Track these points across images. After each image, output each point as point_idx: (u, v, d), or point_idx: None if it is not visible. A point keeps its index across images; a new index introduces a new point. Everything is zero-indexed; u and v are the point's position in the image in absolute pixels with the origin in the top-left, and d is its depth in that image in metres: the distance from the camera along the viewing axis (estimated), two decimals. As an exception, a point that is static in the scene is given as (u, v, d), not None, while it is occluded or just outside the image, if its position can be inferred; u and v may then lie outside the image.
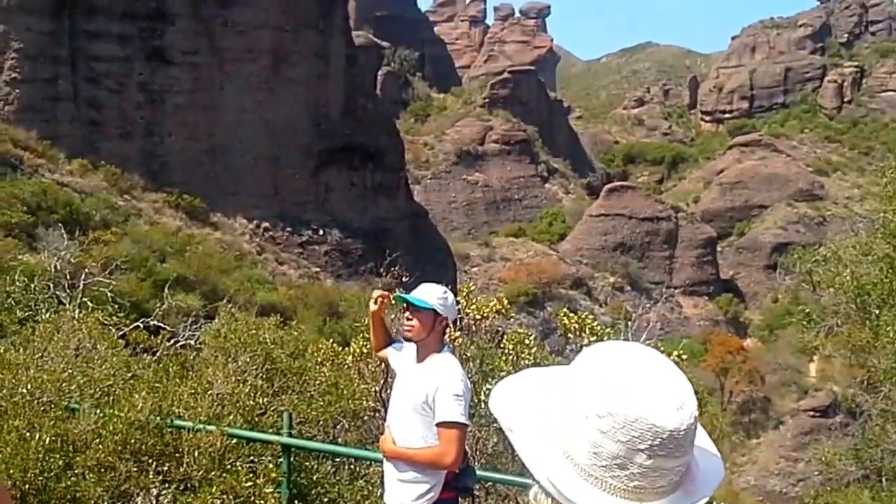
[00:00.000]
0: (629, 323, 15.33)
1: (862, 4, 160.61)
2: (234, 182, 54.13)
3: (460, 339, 11.19)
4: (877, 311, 15.10)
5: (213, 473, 7.30)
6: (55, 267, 16.95)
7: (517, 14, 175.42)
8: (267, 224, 55.16)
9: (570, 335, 11.18)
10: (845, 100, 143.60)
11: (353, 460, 9.51)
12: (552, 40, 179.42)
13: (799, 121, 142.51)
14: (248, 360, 9.81)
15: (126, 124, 51.79)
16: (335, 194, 59.75)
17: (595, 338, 10.96)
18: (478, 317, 11.37)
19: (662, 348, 12.26)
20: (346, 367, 11.32)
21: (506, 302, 11.96)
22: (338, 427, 10.07)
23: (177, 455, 7.47)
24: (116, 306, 14.87)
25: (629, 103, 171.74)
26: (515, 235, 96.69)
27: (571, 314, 11.48)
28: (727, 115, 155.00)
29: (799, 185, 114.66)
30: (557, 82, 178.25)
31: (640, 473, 1.52)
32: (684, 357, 11.22)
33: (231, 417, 8.18)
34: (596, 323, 11.60)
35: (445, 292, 5.41)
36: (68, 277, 16.87)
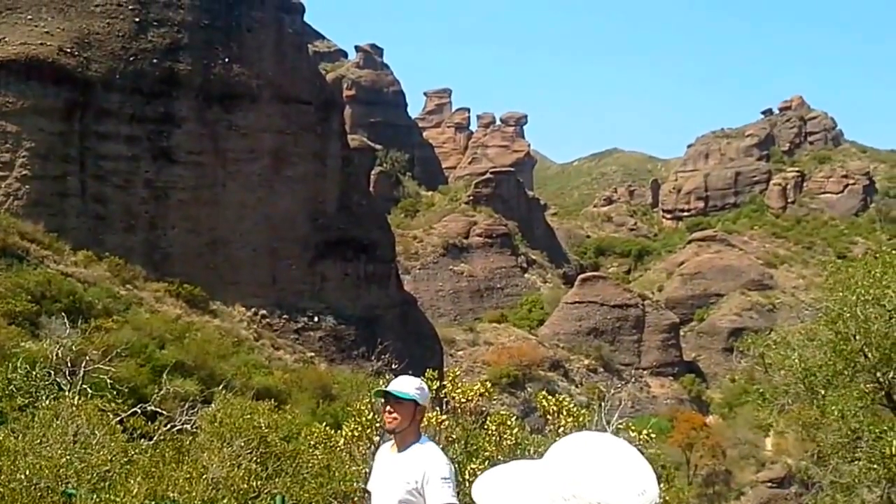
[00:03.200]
0: (602, 403, 15.24)
1: (801, 118, 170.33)
2: (233, 272, 54.00)
3: (447, 422, 11.00)
4: (822, 392, 15.49)
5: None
6: (56, 354, 16.53)
7: (498, 122, 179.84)
8: (264, 311, 54.83)
9: (548, 416, 11.12)
10: (789, 200, 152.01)
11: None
12: (529, 145, 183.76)
13: (749, 219, 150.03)
14: (242, 444, 9.50)
15: (131, 218, 51.79)
16: (330, 283, 59.79)
17: (571, 418, 10.87)
18: (463, 399, 11.22)
19: (634, 427, 12.06)
20: (337, 449, 10.99)
21: (489, 384, 11.88)
22: (329, 508, 9.70)
23: (170, 540, 7.12)
24: (115, 392, 14.50)
25: (599, 202, 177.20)
26: (498, 321, 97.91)
27: (550, 396, 11.44)
28: (685, 213, 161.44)
29: (751, 275, 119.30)
30: (534, 182, 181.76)
31: None
32: (653, 435, 11.05)
33: (225, 501, 7.86)
34: (572, 405, 11.53)
35: (421, 383, 5.38)
36: (69, 364, 16.46)
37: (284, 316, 55.82)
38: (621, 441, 1.65)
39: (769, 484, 66.80)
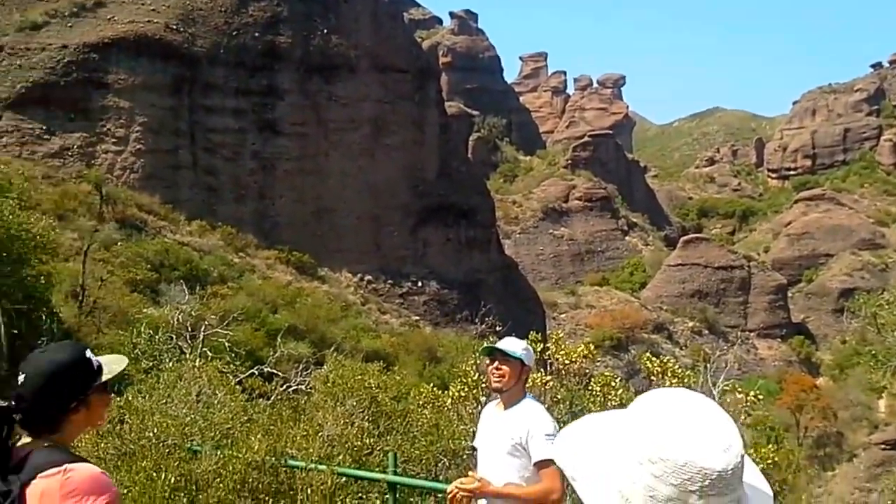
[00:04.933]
0: (708, 364, 14.91)
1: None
2: (339, 239, 55.10)
3: (551, 383, 10.97)
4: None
5: (324, 511, 7.14)
6: (177, 319, 17.26)
7: (595, 84, 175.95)
8: (370, 277, 55.85)
9: (652, 377, 10.97)
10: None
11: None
12: (628, 107, 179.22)
13: (859, 176, 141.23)
14: (354, 403, 9.69)
15: (240, 189, 53.34)
16: (432, 249, 60.32)
17: (676, 380, 10.67)
18: (567, 361, 11.17)
19: (741, 388, 11.72)
20: (445, 409, 11.13)
21: (592, 346, 11.78)
22: (439, 465, 9.85)
23: (291, 493, 7.35)
24: (233, 355, 15.02)
25: (701, 163, 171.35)
26: (599, 284, 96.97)
27: (654, 358, 11.30)
28: (792, 172, 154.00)
29: (861, 234, 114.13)
30: (634, 144, 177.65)
31: None
32: (761, 396, 10.72)
33: (340, 457, 8.06)
34: (676, 366, 11.31)
35: (527, 344, 5.42)
36: (189, 329, 17.16)
37: (389, 281, 56.71)
38: (701, 396, 1.64)
39: (882, 446, 64.33)
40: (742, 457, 1.59)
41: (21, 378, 2.77)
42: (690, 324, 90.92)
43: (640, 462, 1.55)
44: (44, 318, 17.42)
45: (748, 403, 10.87)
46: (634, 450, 1.57)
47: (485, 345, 5.96)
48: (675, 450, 1.53)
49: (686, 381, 11.12)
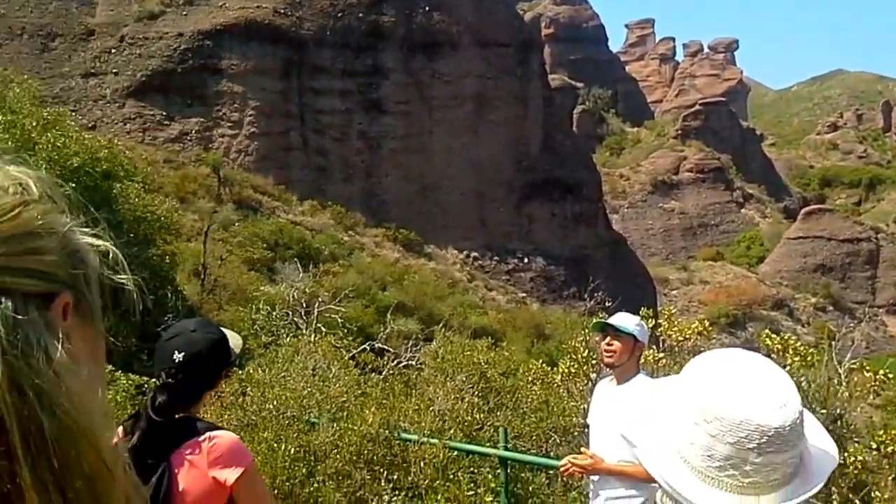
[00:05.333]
0: (833, 342, 14.26)
1: None
2: (444, 216, 55.52)
3: (664, 360, 10.80)
4: None
5: (437, 482, 7.35)
6: (292, 297, 17.90)
7: (706, 49, 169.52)
8: (476, 254, 56.13)
9: (772, 355, 10.58)
10: None
11: (565, 473, 9.30)
12: (742, 72, 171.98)
13: None
14: (464, 379, 9.86)
15: (348, 168, 54.38)
16: (538, 225, 59.99)
17: (798, 358, 10.25)
18: (680, 338, 10.94)
19: (869, 367, 11.24)
20: (555, 385, 11.16)
21: (707, 323, 11.47)
22: (549, 442, 9.91)
23: (404, 465, 7.57)
24: (346, 330, 15.46)
25: (822, 129, 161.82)
26: (713, 259, 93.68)
27: (774, 335, 10.83)
28: None
29: None
30: (749, 112, 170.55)
31: (753, 470, 1.54)
32: (892, 375, 10.23)
33: (451, 431, 8.23)
34: (799, 343, 10.85)
35: (640, 320, 5.36)
36: (304, 305, 17.78)
37: (495, 258, 56.81)
38: (758, 355, 1.65)
39: None
40: (801, 413, 1.58)
41: (178, 355, 2.95)
42: (813, 300, 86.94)
43: (697, 422, 1.56)
44: (169, 295, 18.39)
45: (877, 383, 10.42)
46: (690, 410, 1.58)
47: (595, 320, 5.95)
48: (731, 408, 1.53)
49: (809, 359, 10.74)
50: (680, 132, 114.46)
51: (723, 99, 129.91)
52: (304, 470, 7.30)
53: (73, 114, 24.59)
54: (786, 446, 1.54)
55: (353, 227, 50.73)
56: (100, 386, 0.81)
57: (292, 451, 7.28)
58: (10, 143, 15.23)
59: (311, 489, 7.20)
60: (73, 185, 14.74)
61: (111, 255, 0.87)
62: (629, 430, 1.78)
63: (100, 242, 0.85)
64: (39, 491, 0.68)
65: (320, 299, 18.14)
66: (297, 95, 53.46)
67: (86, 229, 0.84)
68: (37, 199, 0.79)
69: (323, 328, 14.72)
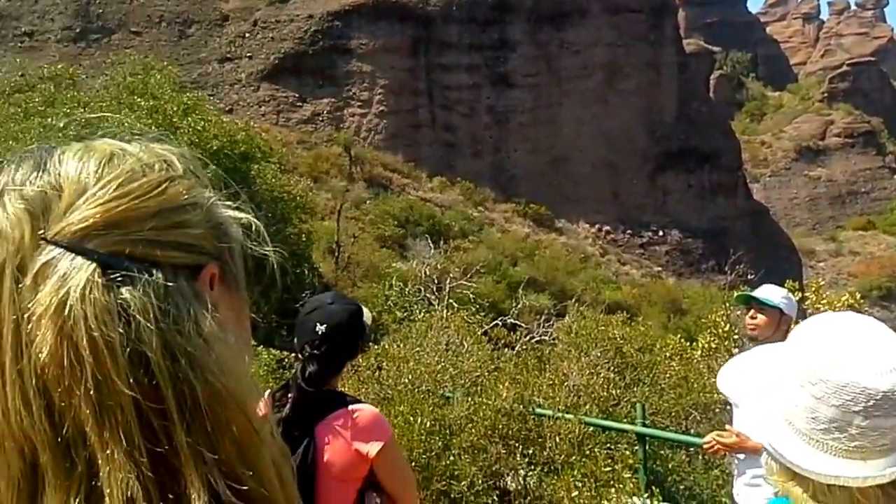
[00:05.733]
0: None
1: None
2: (575, 190, 54.90)
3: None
4: None
5: (573, 458, 7.35)
6: (424, 273, 18.18)
7: (853, 7, 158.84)
8: (608, 227, 55.27)
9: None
10: None
11: (707, 450, 9.11)
12: (893, 30, 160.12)
13: None
14: (599, 354, 9.78)
15: (477, 144, 54.55)
16: (673, 196, 58.39)
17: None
18: (829, 312, 10.43)
19: None
20: (694, 361, 10.89)
21: (857, 296, 10.91)
22: (689, 419, 9.71)
23: (539, 440, 7.60)
24: (477, 306, 15.57)
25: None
26: (864, 229, 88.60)
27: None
28: None
29: None
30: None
31: (859, 434, 1.51)
32: None
33: (587, 407, 8.21)
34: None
35: (788, 293, 5.16)
36: (435, 282, 18.04)
37: (628, 231, 55.75)
38: (869, 319, 1.62)
39: None
40: None
41: (320, 328, 3.04)
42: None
43: (801, 384, 1.56)
44: (306, 273, 19.07)
45: None
46: (795, 372, 1.58)
47: (738, 293, 5.75)
48: (836, 370, 1.52)
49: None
50: (826, 95, 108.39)
51: (872, 59, 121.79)
52: (439, 443, 7.43)
53: (211, 98, 25.95)
54: (894, 411, 1.52)
55: (483, 202, 50.92)
56: (246, 353, 0.87)
57: (428, 424, 7.42)
58: (153, 127, 16.10)
59: (447, 462, 7.33)
60: (214, 166, 15.51)
61: (253, 227, 0.92)
62: (728, 390, 1.77)
63: (242, 215, 0.90)
64: (194, 452, 0.73)
65: (451, 275, 18.35)
66: (425, 72, 53.98)
67: (228, 203, 0.89)
68: (181, 175, 0.83)
69: (454, 304, 14.89)
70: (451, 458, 7.41)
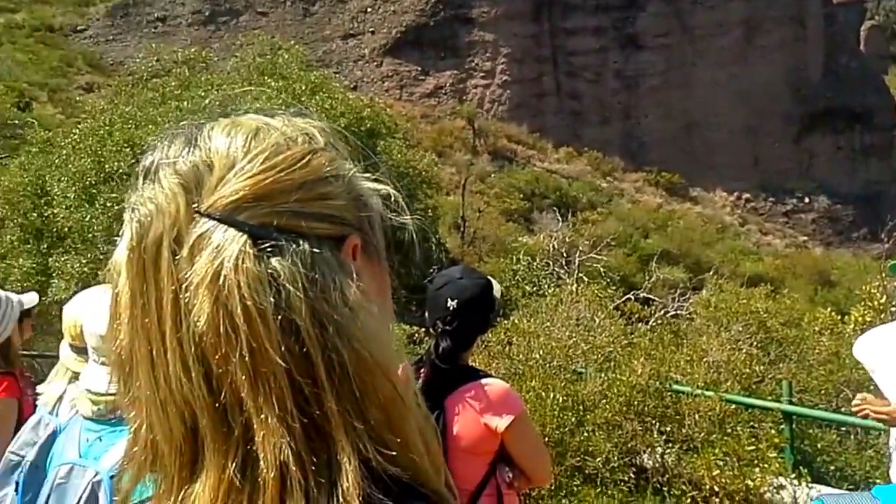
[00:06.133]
0: None
1: None
2: (711, 156, 53.25)
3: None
4: None
5: (713, 436, 7.23)
6: (553, 247, 18.12)
7: None
8: (748, 195, 53.33)
9: None
10: None
11: (859, 430, 8.76)
12: None
13: None
14: (740, 329, 9.53)
15: (604, 111, 53.72)
16: (820, 160, 55.65)
17: None
18: None
19: None
20: (846, 336, 10.43)
21: None
22: (840, 397, 9.34)
23: (678, 417, 7.50)
24: (607, 280, 15.41)
25: None
26: None
27: None
28: None
29: None
30: None
31: None
32: None
33: (728, 384, 8.03)
34: None
35: None
36: (564, 255, 17.95)
37: (770, 199, 53.60)
38: None
39: None
40: None
41: (451, 303, 3.07)
42: None
43: None
44: (434, 248, 19.37)
45: None
46: None
47: (893, 263, 5.46)
48: None
49: None
50: None
51: None
52: (572, 419, 7.46)
53: (336, 75, 26.61)
54: None
55: (612, 172, 50.24)
56: (390, 322, 0.91)
57: (560, 400, 7.45)
58: (282, 107, 16.73)
59: (581, 438, 7.36)
60: (343, 143, 15.97)
61: (392, 198, 0.96)
62: (866, 358, 1.81)
63: (381, 187, 0.95)
64: (344, 418, 0.78)
65: (580, 249, 18.20)
66: (549, 38, 53.43)
67: (366, 175, 0.94)
68: (323, 148, 0.88)
69: (584, 278, 14.80)
70: (585, 434, 7.43)
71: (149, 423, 0.83)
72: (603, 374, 8.05)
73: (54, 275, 16.08)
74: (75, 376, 2.99)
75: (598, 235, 25.39)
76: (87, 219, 15.46)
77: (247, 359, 0.76)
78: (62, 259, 16.02)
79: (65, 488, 2.13)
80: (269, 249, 0.78)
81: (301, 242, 0.80)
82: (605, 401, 7.65)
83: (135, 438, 0.86)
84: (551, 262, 17.10)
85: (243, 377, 0.76)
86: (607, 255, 22.05)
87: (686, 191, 51.41)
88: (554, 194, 41.45)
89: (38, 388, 3.37)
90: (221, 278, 0.77)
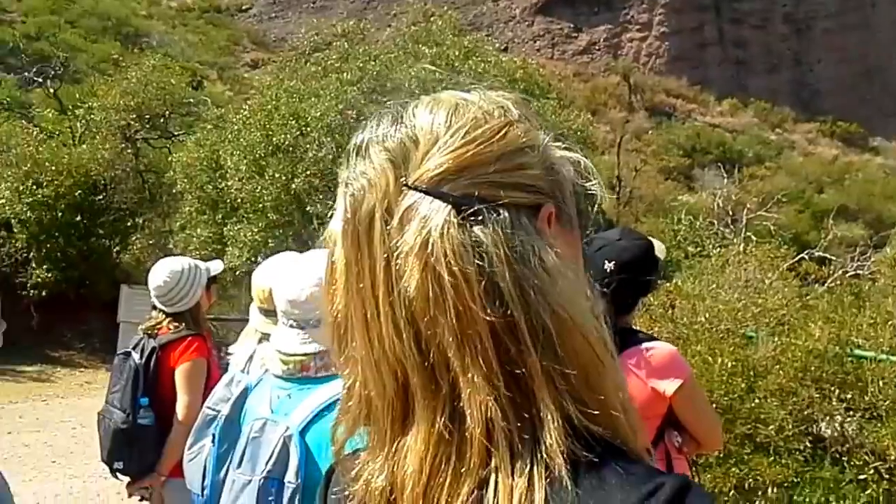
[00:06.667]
0: None
1: None
2: (894, 103, 49.74)
3: None
4: None
5: (900, 405, 6.83)
6: (718, 205, 17.50)
7: None
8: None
9: None
10: None
11: None
12: None
13: None
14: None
15: (772, 58, 51.29)
16: None
17: None
18: None
19: None
20: None
21: None
22: None
23: (859, 384, 7.13)
24: (779, 239, 14.76)
25: None
26: None
27: None
28: None
29: None
30: None
31: None
32: None
33: (920, 351, 7.52)
34: None
35: None
36: (730, 213, 17.29)
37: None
38: None
39: None
40: None
41: (609, 265, 3.05)
42: None
43: None
44: (589, 209, 19.13)
45: None
46: None
47: None
48: None
49: None
50: None
51: None
52: (742, 385, 7.25)
53: (488, 38, 26.71)
54: None
55: (781, 123, 48.05)
56: (586, 288, 0.95)
57: (729, 365, 7.26)
58: (436, 73, 16.93)
59: (752, 405, 7.14)
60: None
61: (582, 165, 1.01)
62: None
63: (571, 155, 1.00)
64: (547, 377, 0.82)
65: (747, 207, 17.47)
66: (710, -16, 51.43)
67: (558, 143, 0.98)
68: (518, 119, 0.94)
69: (753, 237, 14.23)
70: (756, 400, 7.20)
71: (363, 379, 0.91)
72: (776, 339, 7.76)
73: (228, 243, 17.10)
74: (264, 337, 3.23)
75: (767, 192, 24.37)
76: (257, 190, 16.29)
77: (453, 321, 0.82)
78: (235, 228, 17.00)
79: (259, 441, 2.31)
80: (471, 218, 0.84)
81: (501, 211, 0.85)
82: (778, 366, 7.37)
83: (349, 394, 0.95)
84: (716, 222, 16.52)
85: (450, 338, 0.82)
86: (777, 212, 21.08)
87: (865, 141, 48.35)
88: (717, 149, 40.09)
89: (230, 349, 3.65)
90: (429, 246, 0.83)
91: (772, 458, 7.01)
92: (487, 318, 0.81)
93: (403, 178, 0.87)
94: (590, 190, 1.03)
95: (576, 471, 0.79)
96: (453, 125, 0.89)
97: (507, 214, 0.85)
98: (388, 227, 0.87)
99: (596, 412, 0.84)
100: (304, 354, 2.33)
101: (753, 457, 7.01)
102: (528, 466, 0.80)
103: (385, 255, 0.86)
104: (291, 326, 2.36)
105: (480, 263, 0.82)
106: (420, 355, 0.85)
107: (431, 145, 0.88)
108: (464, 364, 0.82)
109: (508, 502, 0.79)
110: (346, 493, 0.94)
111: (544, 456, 0.80)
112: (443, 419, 0.84)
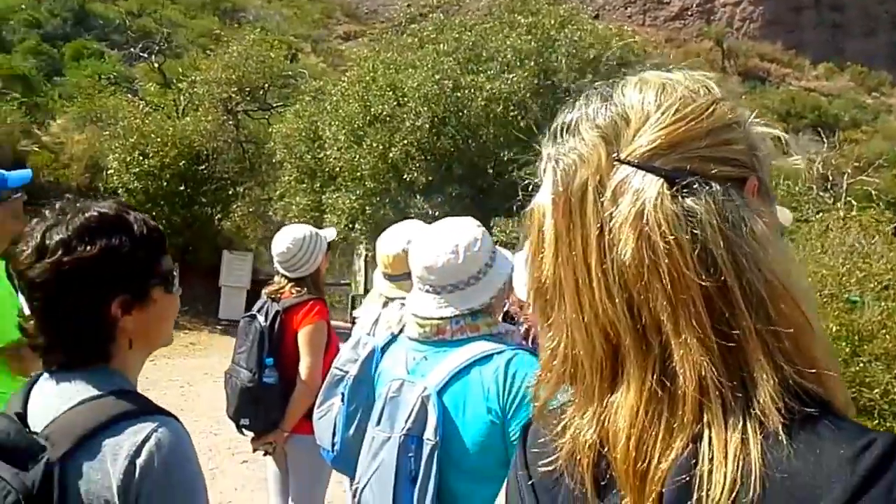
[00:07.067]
0: None
1: None
2: None
3: None
4: None
5: None
6: (817, 170, 16.90)
7: None
8: None
9: None
10: None
11: None
12: None
13: None
14: None
15: (870, 21, 48.89)
16: None
17: None
18: None
19: None
20: None
21: None
22: None
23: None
24: (879, 203, 14.17)
25: None
26: None
27: None
28: None
29: None
30: None
31: None
32: None
33: None
34: None
35: None
36: (830, 178, 16.69)
37: None
38: None
39: None
40: None
41: None
42: None
43: None
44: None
45: None
46: None
47: None
48: None
49: None
50: None
51: None
52: (847, 349, 7.07)
53: (581, 6, 26.09)
54: None
55: (878, 87, 46.07)
56: (794, 255, 0.95)
57: (833, 329, 7.09)
58: (532, 43, 16.69)
59: (857, 369, 6.98)
60: (591, 75, 15.67)
61: (783, 140, 1.03)
62: None
63: (771, 130, 1.01)
64: (761, 337, 0.86)
65: (848, 171, 16.81)
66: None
67: (758, 119, 1.00)
68: (723, 98, 0.97)
69: (853, 202, 13.67)
70: (861, 364, 7.03)
71: (571, 341, 0.94)
72: (882, 304, 7.49)
73: (326, 211, 17.38)
74: (389, 301, 3.27)
75: (864, 156, 23.42)
76: (355, 159, 16.47)
77: (668, 287, 0.85)
78: (333, 196, 17.25)
79: (397, 401, 2.35)
80: (683, 191, 0.87)
81: (711, 184, 0.88)
82: (884, 331, 7.17)
83: (552, 355, 0.98)
84: (814, 187, 15.94)
85: (664, 302, 0.85)
86: (876, 176, 20.25)
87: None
88: (812, 114, 38.67)
89: (355, 313, 3.70)
90: (644, 217, 0.86)
91: (876, 420, 6.88)
92: (701, 283, 0.84)
93: (616, 154, 0.90)
94: (794, 164, 1.04)
95: (790, 426, 0.81)
96: (663, 104, 0.92)
97: (717, 186, 0.87)
98: (601, 199, 0.90)
99: (809, 370, 0.85)
100: (441, 318, 2.35)
101: (857, 419, 6.82)
102: (742, 422, 0.82)
103: (598, 226, 0.89)
104: (427, 291, 2.38)
105: (694, 233, 0.85)
106: (632, 318, 0.88)
107: (642, 123, 0.91)
108: (677, 326, 0.85)
109: (723, 455, 0.81)
110: (554, 445, 0.97)
111: (758, 412, 0.81)
112: (653, 378, 0.86)
